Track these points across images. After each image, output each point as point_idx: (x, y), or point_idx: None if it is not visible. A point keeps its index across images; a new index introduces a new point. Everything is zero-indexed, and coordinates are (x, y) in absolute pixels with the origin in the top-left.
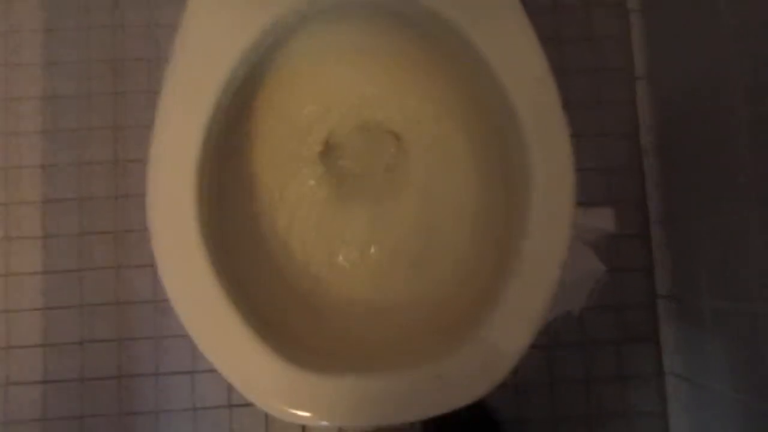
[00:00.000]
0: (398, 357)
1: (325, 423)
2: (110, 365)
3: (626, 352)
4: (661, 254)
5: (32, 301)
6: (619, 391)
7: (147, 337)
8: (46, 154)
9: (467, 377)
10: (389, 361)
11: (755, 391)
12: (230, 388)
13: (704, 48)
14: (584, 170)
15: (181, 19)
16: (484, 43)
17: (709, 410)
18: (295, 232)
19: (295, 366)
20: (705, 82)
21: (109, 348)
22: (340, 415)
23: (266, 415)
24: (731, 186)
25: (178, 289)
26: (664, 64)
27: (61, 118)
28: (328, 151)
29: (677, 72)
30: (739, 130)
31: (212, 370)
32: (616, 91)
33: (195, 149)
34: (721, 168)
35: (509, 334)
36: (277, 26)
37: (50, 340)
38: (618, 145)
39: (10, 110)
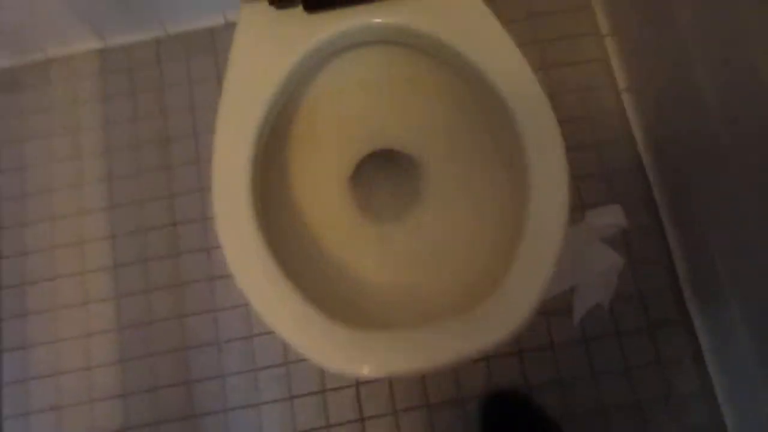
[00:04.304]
0: (432, 316)
1: (379, 375)
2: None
3: (660, 337)
4: (675, 243)
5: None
6: (660, 375)
7: (213, 377)
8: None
9: (490, 325)
10: (425, 320)
11: None
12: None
13: (667, 59)
14: (588, 176)
15: (229, 58)
16: (482, 62)
17: (747, 384)
18: (329, 234)
19: (349, 328)
20: (674, 86)
21: (177, 391)
22: (390, 366)
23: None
24: (720, 174)
25: (242, 271)
26: (640, 77)
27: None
28: (355, 175)
29: (651, 82)
30: (711, 126)
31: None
32: (606, 104)
33: (246, 159)
34: (708, 156)
35: (523, 289)
36: (307, 60)
37: (128, 389)
38: (616, 150)
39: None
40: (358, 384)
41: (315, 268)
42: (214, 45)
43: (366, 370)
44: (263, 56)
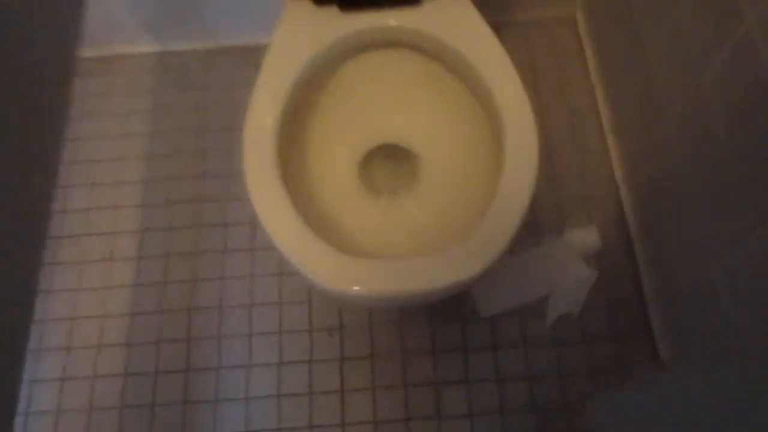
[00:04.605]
0: (422, 252)
1: (369, 293)
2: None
3: (624, 344)
4: (643, 262)
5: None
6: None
7: (211, 337)
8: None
9: (470, 257)
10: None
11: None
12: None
13: (644, 112)
14: (569, 199)
15: (271, 38)
16: (481, 66)
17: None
18: (337, 202)
19: (347, 256)
20: (649, 134)
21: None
22: (380, 286)
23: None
24: (686, 202)
25: (265, 212)
26: (622, 123)
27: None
28: (366, 160)
29: (630, 128)
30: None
31: None
32: (591, 142)
33: (273, 121)
34: (676, 188)
35: (497, 230)
36: (333, 48)
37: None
38: (596, 180)
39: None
40: (343, 359)
41: (322, 223)
42: (257, 60)
43: (356, 289)
44: (298, 40)
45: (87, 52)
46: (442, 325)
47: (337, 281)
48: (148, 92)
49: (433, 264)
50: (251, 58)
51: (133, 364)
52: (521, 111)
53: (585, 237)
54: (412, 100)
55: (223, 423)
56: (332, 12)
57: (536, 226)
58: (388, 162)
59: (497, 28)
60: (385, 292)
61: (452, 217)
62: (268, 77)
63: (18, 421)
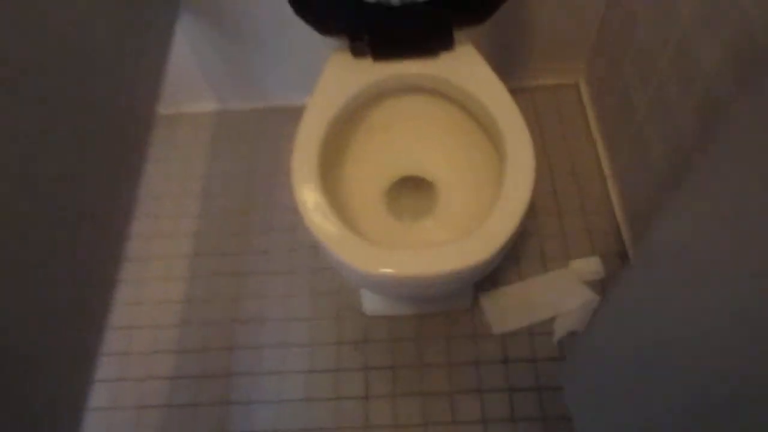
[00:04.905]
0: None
1: (397, 273)
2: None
3: None
4: None
5: None
6: None
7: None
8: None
9: (476, 247)
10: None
11: None
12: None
13: (640, 162)
14: (574, 233)
15: (318, 80)
16: (487, 101)
17: None
18: (364, 220)
19: (377, 246)
20: (644, 180)
21: (222, 354)
22: (404, 269)
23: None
24: None
25: (309, 213)
26: (620, 167)
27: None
28: (391, 189)
29: (627, 174)
30: None
31: None
32: (593, 184)
33: (317, 143)
34: None
35: (498, 227)
36: (366, 90)
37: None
38: (599, 216)
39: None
40: (366, 369)
41: (356, 213)
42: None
43: (387, 270)
44: (339, 82)
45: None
46: (457, 341)
47: (368, 264)
48: (207, 143)
49: (448, 251)
50: (296, 115)
51: (181, 369)
52: (521, 133)
53: (589, 266)
54: (430, 136)
55: (256, 423)
56: (367, 62)
57: (544, 256)
58: (411, 191)
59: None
60: (408, 274)
61: (466, 231)
62: (314, 109)
63: None
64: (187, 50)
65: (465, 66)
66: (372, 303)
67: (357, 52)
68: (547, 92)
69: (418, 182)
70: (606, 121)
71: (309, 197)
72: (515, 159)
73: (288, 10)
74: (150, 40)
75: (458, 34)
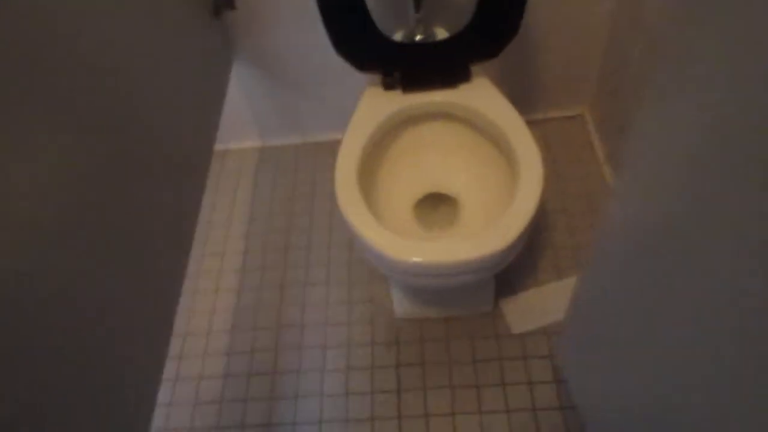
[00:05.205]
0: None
1: (425, 261)
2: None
3: None
4: None
5: None
6: None
7: (295, 348)
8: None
9: (493, 239)
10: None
11: None
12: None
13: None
14: (584, 245)
15: (355, 109)
16: (502, 124)
17: None
18: (399, 219)
19: (408, 239)
20: None
21: (268, 355)
22: (431, 257)
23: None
24: None
25: (349, 211)
26: None
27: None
28: (418, 203)
29: None
30: None
31: None
32: (601, 204)
33: (356, 160)
34: None
35: (513, 223)
36: (396, 116)
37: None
38: None
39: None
40: (398, 366)
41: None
42: (335, 151)
43: (416, 258)
44: (373, 110)
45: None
46: (481, 340)
47: (401, 254)
48: (251, 176)
49: (470, 242)
50: (328, 148)
51: (231, 368)
52: (530, 145)
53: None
54: (452, 156)
55: (301, 414)
56: (397, 93)
57: (558, 266)
58: (436, 205)
59: None
60: (435, 261)
61: None
62: (353, 132)
63: None
64: (234, 94)
65: (481, 94)
66: (402, 306)
67: (388, 86)
68: (556, 123)
69: (443, 198)
70: (610, 146)
71: (349, 199)
72: (526, 167)
73: (324, 58)
74: (210, 85)
75: (474, 68)
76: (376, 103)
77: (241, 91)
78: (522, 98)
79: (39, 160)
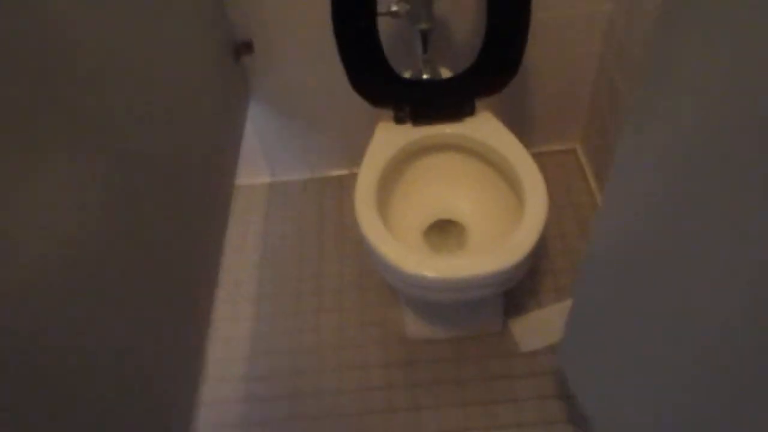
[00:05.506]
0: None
1: (440, 276)
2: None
3: None
4: None
5: None
6: None
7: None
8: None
9: (507, 254)
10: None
11: None
12: None
13: None
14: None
15: (370, 142)
16: (506, 153)
17: None
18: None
19: (423, 254)
20: None
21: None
22: (446, 272)
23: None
24: None
25: (368, 229)
26: None
27: None
28: (428, 229)
29: None
30: None
31: None
32: None
33: (374, 187)
34: None
35: (524, 239)
36: (408, 148)
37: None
38: None
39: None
40: (413, 385)
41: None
42: (341, 185)
43: (431, 273)
44: (387, 142)
45: None
46: (491, 359)
47: (417, 269)
48: (262, 209)
49: (484, 258)
50: (334, 183)
51: (251, 392)
52: (533, 171)
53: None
54: (459, 185)
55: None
56: (407, 127)
57: (558, 289)
58: (445, 231)
59: None
60: (450, 276)
61: None
62: (368, 163)
63: None
64: (246, 131)
65: (486, 126)
66: (414, 328)
67: (399, 120)
68: (549, 157)
69: (451, 224)
70: (601, 177)
71: (370, 222)
72: (531, 190)
73: (330, 98)
74: (231, 124)
75: (478, 103)
76: (389, 136)
77: (252, 129)
78: (516, 134)
79: (68, 195)
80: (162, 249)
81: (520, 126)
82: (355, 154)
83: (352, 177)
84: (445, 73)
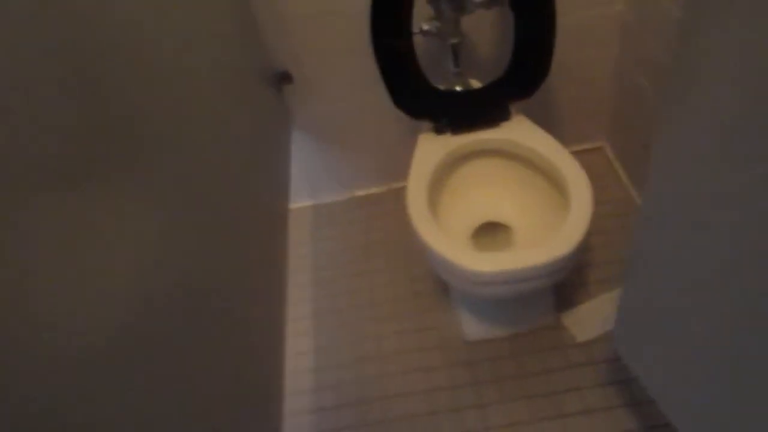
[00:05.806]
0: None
1: (497, 270)
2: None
3: None
4: None
5: None
6: None
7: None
8: None
9: (559, 245)
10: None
11: None
12: None
13: None
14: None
15: (414, 153)
16: (548, 154)
17: None
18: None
19: (474, 251)
20: None
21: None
22: (502, 265)
23: None
24: None
25: (423, 231)
26: None
27: None
28: (475, 232)
29: None
30: None
31: None
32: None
33: (424, 194)
34: None
35: (574, 230)
36: (450, 156)
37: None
38: None
39: None
40: (477, 383)
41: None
42: (381, 201)
43: (488, 268)
44: (429, 153)
45: None
46: (548, 352)
47: (474, 265)
48: (308, 231)
49: (538, 250)
50: (373, 200)
51: (319, 403)
52: (576, 168)
53: None
54: (502, 188)
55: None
56: (447, 136)
57: (605, 280)
58: (492, 233)
59: None
60: (507, 269)
61: None
62: (415, 173)
63: None
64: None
65: (522, 129)
66: (470, 328)
67: (439, 130)
68: (579, 156)
69: (496, 226)
70: (632, 171)
71: (423, 224)
72: (575, 185)
73: (364, 122)
74: (280, 151)
75: (512, 108)
76: (431, 147)
77: (293, 155)
78: None
79: (145, 235)
80: (246, 278)
81: (548, 128)
82: (390, 172)
83: (390, 193)
84: (475, 84)
